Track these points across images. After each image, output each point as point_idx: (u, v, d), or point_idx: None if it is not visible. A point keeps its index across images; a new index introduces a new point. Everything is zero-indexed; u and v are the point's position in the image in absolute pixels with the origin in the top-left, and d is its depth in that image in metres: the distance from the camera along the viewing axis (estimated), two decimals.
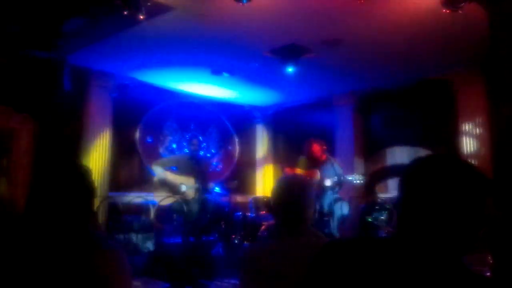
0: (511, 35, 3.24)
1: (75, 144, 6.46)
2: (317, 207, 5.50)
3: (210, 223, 6.20)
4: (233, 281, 4.09)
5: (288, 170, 5.69)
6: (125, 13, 4.34)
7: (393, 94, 7.36)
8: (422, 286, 0.94)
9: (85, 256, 1.42)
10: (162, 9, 4.70)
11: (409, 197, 1.02)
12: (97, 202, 5.90)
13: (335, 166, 5.79)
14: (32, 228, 1.46)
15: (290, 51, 5.80)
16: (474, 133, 6.41)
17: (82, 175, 1.57)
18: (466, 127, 6.55)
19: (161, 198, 5.80)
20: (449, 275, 0.95)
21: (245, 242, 6.02)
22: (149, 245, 5.71)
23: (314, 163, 5.54)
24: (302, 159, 5.64)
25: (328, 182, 5.37)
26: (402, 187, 1.05)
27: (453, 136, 6.68)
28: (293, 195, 1.88)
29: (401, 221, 1.03)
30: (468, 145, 6.48)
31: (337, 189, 5.54)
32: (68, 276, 1.37)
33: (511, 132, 3.25)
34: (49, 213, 1.47)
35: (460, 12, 4.34)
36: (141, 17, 4.39)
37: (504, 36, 3.29)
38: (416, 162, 1.07)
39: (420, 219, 0.99)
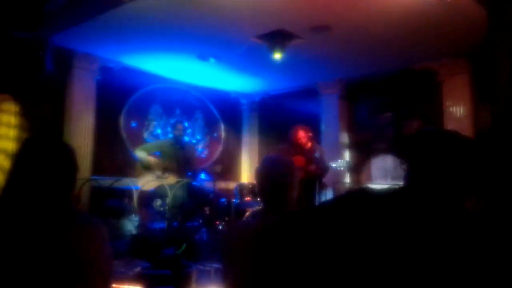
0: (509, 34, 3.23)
1: (57, 127, 6.36)
2: (303, 194, 5.50)
3: (195, 209, 6.17)
4: (216, 265, 4.08)
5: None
6: None
7: (379, 83, 7.38)
8: (432, 228, 1.07)
9: (66, 230, 1.41)
10: None
11: (417, 160, 1.20)
12: (79, 185, 5.82)
13: (320, 154, 5.80)
14: (13, 204, 1.43)
15: (277, 37, 5.75)
16: (458, 123, 6.47)
17: (65, 151, 1.54)
18: (451, 117, 6.62)
19: (144, 183, 5.74)
20: (455, 216, 1.12)
21: None
22: (132, 230, 5.66)
23: (299, 150, 5.52)
24: (286, 146, 5.62)
25: (311, 168, 5.38)
26: (411, 152, 1.23)
27: (437, 125, 6.73)
28: (276, 174, 1.86)
29: (411, 178, 1.20)
30: None
31: (321, 176, 5.55)
32: (49, 250, 1.36)
33: (494, 131, 3.29)
34: (31, 188, 1.44)
35: (448, 0, 4.35)
36: None
37: (502, 35, 3.28)
38: (421, 134, 1.28)
39: (427, 176, 1.17)
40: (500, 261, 1.02)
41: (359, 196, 1.17)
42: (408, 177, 1.21)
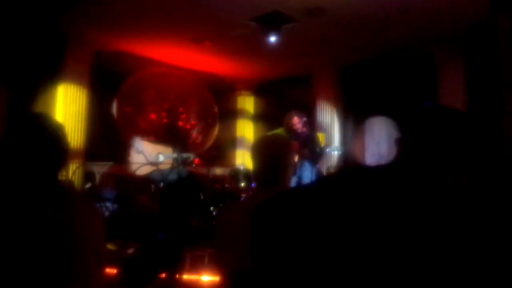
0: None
1: (50, 111, 6.28)
2: (297, 179, 5.51)
3: (189, 194, 6.15)
4: (209, 250, 4.06)
5: None
6: None
7: (374, 66, 7.32)
8: (428, 201, 1.04)
9: (58, 208, 1.38)
10: None
11: (410, 134, 1.17)
12: (72, 169, 5.79)
13: (315, 139, 5.78)
14: (2, 180, 1.40)
15: (273, 19, 5.68)
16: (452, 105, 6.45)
17: (53, 127, 1.50)
18: (446, 100, 6.59)
19: (138, 168, 5.71)
20: (449, 190, 1.08)
21: None
22: (126, 214, 5.64)
23: (294, 135, 5.50)
24: (281, 131, 5.59)
25: (305, 153, 5.37)
26: (404, 126, 1.20)
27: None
28: (273, 152, 1.83)
29: (404, 153, 1.18)
30: None
31: (315, 161, 5.54)
32: (41, 229, 1.33)
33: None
34: (20, 165, 1.41)
35: None
36: None
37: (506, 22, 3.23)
38: (414, 109, 1.22)
39: (420, 150, 1.14)
40: (494, 232, 0.99)
41: (352, 171, 1.16)
42: (401, 152, 1.18)
